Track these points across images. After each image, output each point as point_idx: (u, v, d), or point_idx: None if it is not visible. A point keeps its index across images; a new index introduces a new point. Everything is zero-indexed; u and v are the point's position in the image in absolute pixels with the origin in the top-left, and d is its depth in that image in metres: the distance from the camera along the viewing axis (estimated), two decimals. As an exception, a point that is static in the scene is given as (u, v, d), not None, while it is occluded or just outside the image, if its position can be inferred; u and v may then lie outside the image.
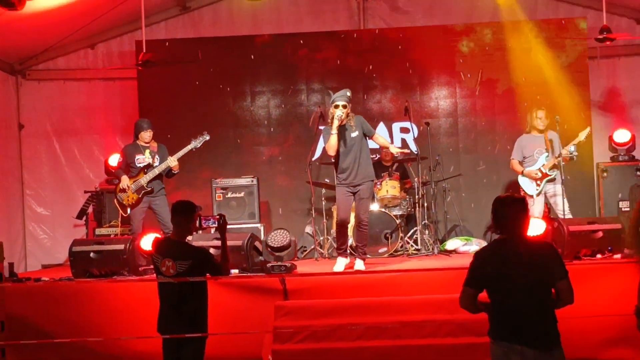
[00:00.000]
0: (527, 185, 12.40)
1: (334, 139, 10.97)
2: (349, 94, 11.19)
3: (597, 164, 14.63)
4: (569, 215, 11.98)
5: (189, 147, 12.28)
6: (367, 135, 11.31)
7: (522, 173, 12.40)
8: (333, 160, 11.51)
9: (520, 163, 12.53)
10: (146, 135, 12.30)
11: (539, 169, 12.22)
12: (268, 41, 15.57)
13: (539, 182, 12.20)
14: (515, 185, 13.65)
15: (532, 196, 12.24)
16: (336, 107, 10.98)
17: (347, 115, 11.07)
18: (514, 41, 15.15)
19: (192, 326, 7.35)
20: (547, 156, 12.18)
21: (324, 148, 11.61)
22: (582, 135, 12.36)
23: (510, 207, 6.07)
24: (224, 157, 15.33)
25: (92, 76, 16.20)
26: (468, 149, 15.36)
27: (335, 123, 10.89)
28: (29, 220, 16.15)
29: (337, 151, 11.12)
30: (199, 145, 12.36)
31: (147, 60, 13.42)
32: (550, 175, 12.14)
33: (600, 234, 10.92)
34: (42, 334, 10.16)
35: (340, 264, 11.21)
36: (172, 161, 12.11)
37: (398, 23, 15.91)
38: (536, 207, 12.22)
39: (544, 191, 12.29)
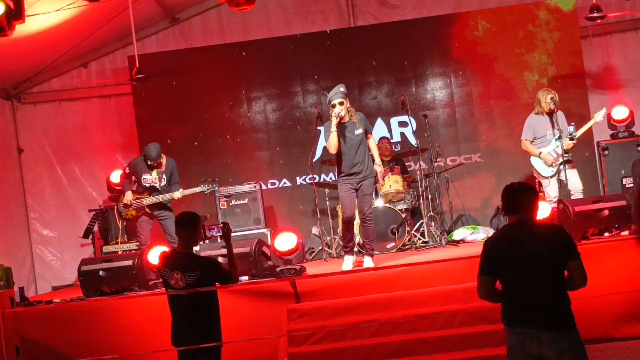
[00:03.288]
0: (541, 167, 12.16)
1: (333, 137, 10.93)
2: (342, 89, 11.13)
3: (598, 143, 14.61)
4: (580, 196, 11.89)
5: (195, 190, 12.42)
6: (366, 132, 11.28)
7: (538, 155, 12.17)
8: (334, 158, 11.53)
9: (531, 143, 12.30)
10: (154, 165, 12.26)
11: (554, 150, 12.01)
12: (260, 46, 15.57)
13: (554, 164, 12.03)
14: (517, 170, 13.68)
15: (546, 177, 12.12)
16: (333, 106, 10.95)
17: (348, 111, 11.08)
18: (505, 26, 15.18)
19: (206, 336, 7.34)
20: (560, 137, 11.99)
21: (325, 148, 11.62)
22: (598, 117, 12.28)
23: (523, 194, 6.07)
24: (224, 165, 15.30)
25: (87, 95, 16.25)
26: (467, 137, 15.35)
27: (334, 121, 10.87)
28: (35, 243, 16.16)
29: (339, 148, 11.10)
30: (206, 192, 12.49)
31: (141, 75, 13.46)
32: (566, 156, 11.95)
33: (606, 212, 10.89)
34: (58, 355, 10.20)
35: (348, 262, 11.25)
36: (177, 195, 12.15)
37: (388, 18, 15.90)
38: (552, 189, 12.08)
39: (558, 171, 12.12)
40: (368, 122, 11.49)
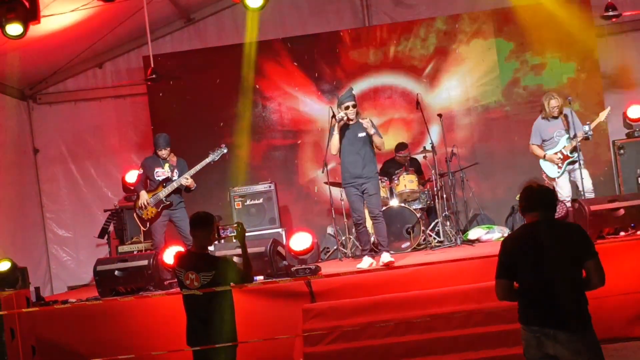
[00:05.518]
0: (548, 168, 12.37)
1: (335, 139, 11.30)
2: (354, 92, 11.50)
3: (613, 142, 14.55)
4: (591, 195, 11.94)
5: (206, 161, 12.25)
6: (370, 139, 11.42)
7: (544, 157, 12.35)
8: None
9: (540, 147, 12.48)
10: (163, 153, 12.28)
11: (560, 151, 12.16)
12: (274, 46, 15.57)
13: (560, 164, 12.15)
14: (532, 169, 13.63)
15: (553, 179, 12.24)
16: (346, 108, 11.23)
17: (357, 114, 11.33)
18: (519, 26, 15.10)
19: (221, 336, 7.34)
20: (568, 137, 12.10)
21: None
22: (602, 116, 12.37)
23: (543, 194, 6.10)
24: (239, 164, 15.27)
25: (103, 95, 16.28)
26: (483, 137, 15.31)
27: (337, 124, 11.22)
28: (51, 243, 16.20)
29: (342, 147, 11.37)
30: (217, 159, 12.34)
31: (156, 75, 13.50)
32: (572, 157, 12.07)
33: (622, 211, 10.87)
34: (73, 355, 10.23)
35: (366, 261, 11.33)
36: (185, 180, 12.11)
37: (403, 17, 15.88)
38: (563, 188, 12.23)
39: (567, 171, 12.23)
40: (374, 127, 11.55)
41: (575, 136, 11.95)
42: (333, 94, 15.34)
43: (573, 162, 12.08)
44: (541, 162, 12.49)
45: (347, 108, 11.21)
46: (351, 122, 11.29)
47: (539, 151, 12.48)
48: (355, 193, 11.33)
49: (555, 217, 6.16)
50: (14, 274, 11.54)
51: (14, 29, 9.65)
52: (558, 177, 12.24)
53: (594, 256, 5.90)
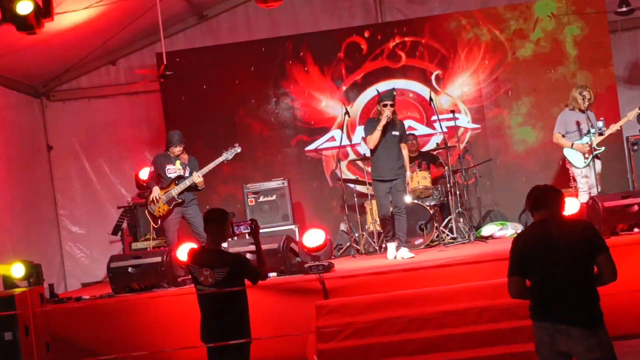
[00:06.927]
0: (574, 158, 12.32)
1: (378, 134, 11.62)
2: (395, 93, 11.92)
3: (627, 138, 14.52)
4: (593, 182, 12.04)
5: (220, 160, 12.24)
6: (401, 138, 11.92)
7: (571, 146, 12.32)
8: (370, 155, 12.12)
9: (563, 137, 12.47)
10: (176, 150, 12.27)
11: (588, 144, 12.13)
12: (287, 42, 15.54)
13: (587, 155, 12.11)
14: (546, 165, 13.62)
15: (579, 168, 12.23)
16: (384, 106, 11.65)
17: (394, 114, 11.73)
18: (534, 21, 15.05)
19: (235, 333, 7.32)
20: (593, 133, 12.09)
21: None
22: (631, 115, 12.39)
23: (549, 192, 6.15)
24: (252, 161, 15.29)
25: (116, 92, 16.31)
26: (496, 133, 15.27)
27: (383, 122, 11.54)
28: (65, 240, 16.24)
29: (377, 145, 11.71)
30: (230, 158, 12.33)
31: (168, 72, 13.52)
32: (598, 150, 12.05)
33: (636, 207, 10.83)
34: (87, 352, 10.21)
35: (392, 249, 11.83)
36: (197, 177, 12.11)
37: (415, 14, 15.86)
38: (585, 179, 12.26)
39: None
40: (405, 131, 12.23)
41: (588, 132, 11.94)
42: (346, 90, 15.34)
43: (597, 157, 12.07)
44: (567, 151, 12.42)
45: (384, 106, 11.66)
46: (388, 120, 11.63)
47: (563, 140, 12.46)
48: (384, 187, 11.78)
49: (570, 213, 6.17)
50: (27, 271, 11.61)
51: (23, 5, 9.44)
52: (583, 167, 12.23)
53: (606, 251, 5.89)
